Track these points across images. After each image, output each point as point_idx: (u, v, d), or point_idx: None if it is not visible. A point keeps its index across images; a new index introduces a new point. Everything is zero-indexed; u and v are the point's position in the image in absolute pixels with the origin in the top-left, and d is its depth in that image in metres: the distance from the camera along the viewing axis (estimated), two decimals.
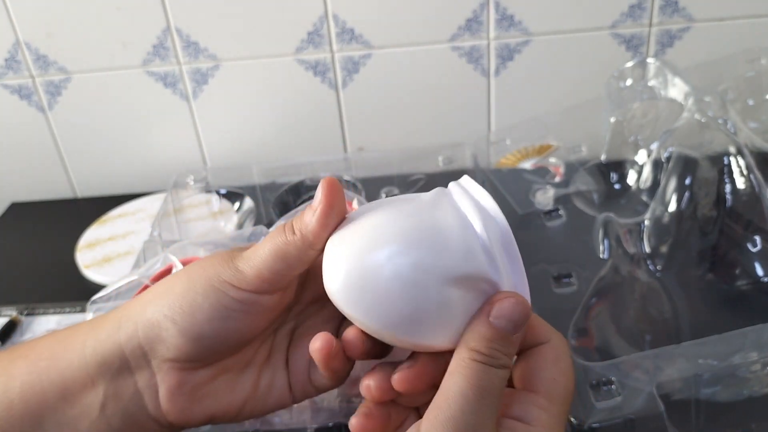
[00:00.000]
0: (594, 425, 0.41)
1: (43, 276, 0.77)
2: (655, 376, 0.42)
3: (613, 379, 0.42)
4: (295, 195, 0.72)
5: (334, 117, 0.86)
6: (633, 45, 0.78)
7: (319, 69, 0.82)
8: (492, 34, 0.79)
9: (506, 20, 0.78)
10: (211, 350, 0.34)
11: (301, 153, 0.86)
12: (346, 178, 0.72)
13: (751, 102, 0.63)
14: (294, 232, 0.33)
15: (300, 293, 0.38)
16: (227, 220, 0.71)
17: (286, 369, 0.37)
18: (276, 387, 0.37)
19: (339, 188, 0.32)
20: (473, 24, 0.79)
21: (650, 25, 0.77)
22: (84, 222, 0.82)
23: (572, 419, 0.41)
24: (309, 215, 0.32)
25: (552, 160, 0.68)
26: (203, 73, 0.83)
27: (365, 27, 0.79)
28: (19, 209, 0.92)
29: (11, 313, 0.68)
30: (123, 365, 0.34)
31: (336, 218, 0.33)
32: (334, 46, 0.81)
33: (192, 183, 0.72)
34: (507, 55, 0.80)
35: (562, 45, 0.79)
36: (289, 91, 0.84)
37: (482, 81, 0.82)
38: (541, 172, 0.67)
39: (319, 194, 0.32)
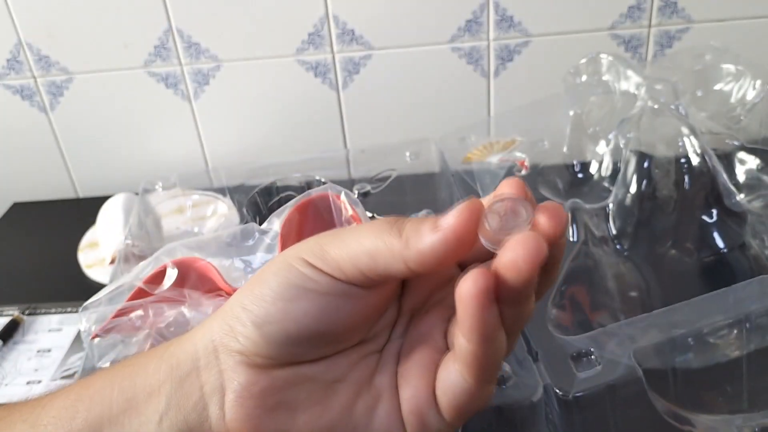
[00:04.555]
0: (578, 394, 0.42)
1: (44, 276, 0.77)
2: (630, 346, 0.44)
3: (591, 350, 0.44)
4: (266, 196, 0.72)
5: (335, 117, 0.86)
6: (632, 46, 0.79)
7: (319, 70, 0.83)
8: (492, 35, 0.80)
9: (506, 21, 0.78)
10: (284, 342, 0.28)
11: (302, 153, 0.86)
12: (317, 177, 0.72)
13: (699, 93, 0.66)
14: (400, 236, 0.27)
15: (404, 299, 0.32)
16: (200, 225, 0.71)
17: (396, 396, 0.30)
18: (379, 416, 0.30)
19: (478, 216, 0.26)
20: (473, 25, 0.79)
21: (649, 26, 0.78)
22: (86, 222, 0.82)
23: (557, 390, 0.42)
24: (427, 231, 0.26)
25: (518, 154, 0.70)
26: (204, 74, 0.84)
27: (366, 28, 0.80)
28: (20, 209, 0.93)
29: (13, 312, 0.69)
30: (193, 366, 0.29)
31: (455, 253, 0.26)
32: (335, 47, 0.81)
33: (160, 189, 0.71)
34: (507, 56, 0.81)
35: (561, 46, 0.79)
36: (290, 92, 0.84)
37: (482, 82, 0.83)
38: (508, 165, 0.69)
39: (452, 218, 0.26)
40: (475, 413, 0.29)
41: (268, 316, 0.28)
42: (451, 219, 0.26)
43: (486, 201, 0.28)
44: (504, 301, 0.26)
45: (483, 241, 0.26)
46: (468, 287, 0.25)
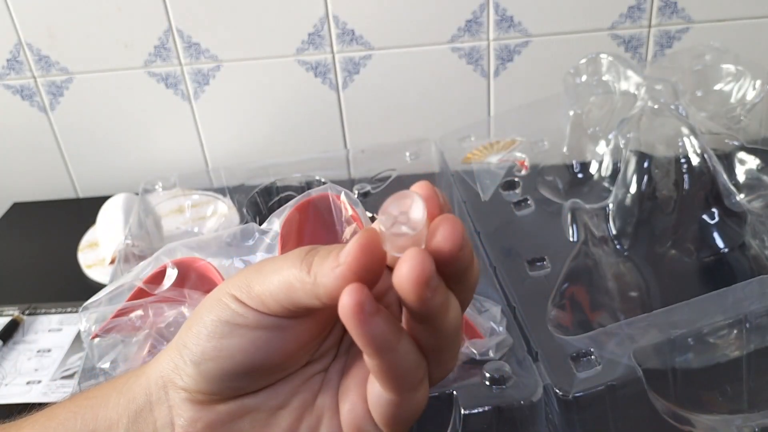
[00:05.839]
0: (578, 394, 0.42)
1: (44, 276, 0.77)
2: (630, 346, 0.44)
3: (591, 350, 0.44)
4: (266, 196, 0.73)
5: (335, 117, 0.86)
6: (632, 46, 0.79)
7: (319, 70, 0.83)
8: (492, 35, 0.80)
9: (506, 21, 0.78)
10: (221, 378, 0.29)
11: (302, 153, 0.86)
12: (317, 177, 0.72)
13: (699, 93, 0.66)
14: (309, 273, 0.27)
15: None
16: (200, 225, 0.71)
17: (337, 414, 0.31)
18: None
19: (375, 249, 0.25)
20: (473, 25, 0.79)
21: (649, 26, 0.78)
22: (86, 222, 0.82)
23: (557, 390, 0.42)
24: (330, 267, 0.26)
25: (517, 154, 0.70)
26: (204, 74, 0.84)
27: (366, 28, 0.80)
28: (21, 209, 0.93)
29: (13, 312, 0.69)
30: (146, 401, 0.30)
31: (363, 282, 0.25)
32: (335, 47, 0.81)
33: (160, 189, 0.71)
34: (506, 56, 0.81)
35: (561, 46, 0.79)
36: (290, 92, 0.84)
37: (482, 82, 0.83)
38: (508, 165, 0.69)
39: (351, 249, 0.25)
40: (412, 422, 0.29)
41: (204, 354, 0.29)
42: (348, 254, 0.25)
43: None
44: (412, 316, 0.26)
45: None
46: (344, 302, 0.24)
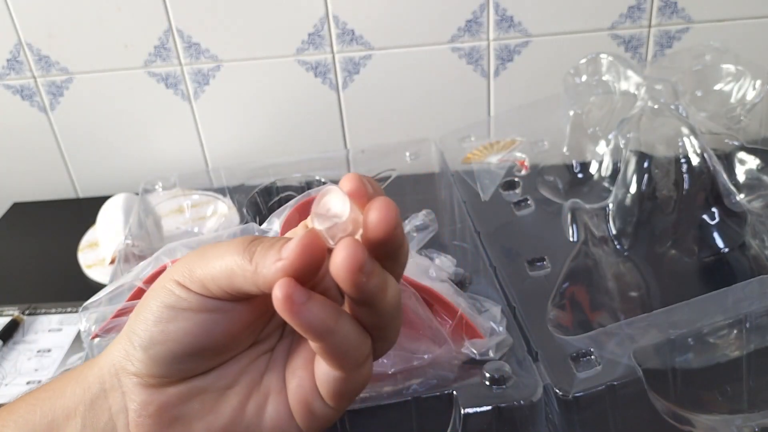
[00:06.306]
0: (578, 394, 0.42)
1: (45, 276, 0.77)
2: (630, 346, 0.44)
3: (591, 350, 0.44)
4: (266, 196, 0.73)
5: (335, 118, 0.86)
6: (632, 46, 0.79)
7: (319, 70, 0.83)
8: (492, 35, 0.80)
9: (506, 21, 0.78)
10: (169, 361, 0.30)
11: (302, 153, 0.86)
12: (317, 177, 0.72)
13: (699, 93, 0.66)
14: (250, 262, 0.28)
15: None
16: (200, 225, 0.71)
17: (284, 390, 0.32)
18: (269, 412, 0.32)
19: (317, 249, 0.27)
20: (473, 25, 0.79)
21: (649, 26, 0.78)
22: (86, 222, 0.82)
23: (557, 390, 0.42)
24: (271, 260, 0.27)
25: (517, 154, 0.70)
26: (204, 74, 0.84)
27: (366, 28, 0.80)
28: (21, 209, 0.93)
29: (13, 312, 0.69)
30: (101, 389, 0.32)
31: (302, 277, 0.27)
32: (335, 47, 0.81)
33: (160, 189, 0.72)
34: (507, 56, 0.81)
35: (561, 46, 0.79)
36: (290, 92, 0.84)
37: (482, 82, 0.83)
38: (508, 165, 0.69)
39: (293, 247, 0.27)
40: (358, 394, 0.31)
41: (152, 338, 0.30)
42: (291, 251, 0.27)
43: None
44: (352, 300, 0.28)
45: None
46: (275, 294, 0.26)
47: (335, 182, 0.30)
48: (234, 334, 0.31)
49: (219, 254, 0.29)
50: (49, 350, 0.65)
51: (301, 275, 0.27)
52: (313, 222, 0.27)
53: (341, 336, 0.28)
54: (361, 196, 0.28)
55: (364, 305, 0.28)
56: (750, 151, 0.62)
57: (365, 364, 0.30)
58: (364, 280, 0.26)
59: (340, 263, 0.26)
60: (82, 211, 0.88)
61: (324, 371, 0.30)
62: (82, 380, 0.32)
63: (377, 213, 0.26)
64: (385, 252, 0.27)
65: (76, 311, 0.68)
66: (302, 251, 0.27)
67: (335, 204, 0.27)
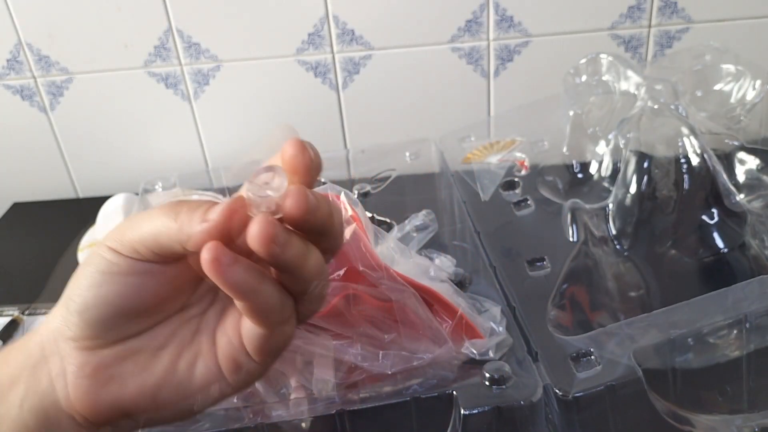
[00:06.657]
0: (578, 394, 0.42)
1: (44, 276, 0.77)
2: (630, 346, 0.44)
3: (591, 350, 0.45)
4: None
5: (335, 118, 0.86)
6: (632, 46, 0.79)
7: (319, 70, 0.83)
8: (492, 35, 0.80)
9: (506, 21, 0.78)
10: (103, 324, 0.32)
11: None
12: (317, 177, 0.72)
13: (699, 93, 0.66)
14: (175, 221, 0.31)
15: None
16: None
17: (214, 347, 0.34)
18: (199, 368, 0.34)
19: (240, 216, 0.29)
20: (473, 25, 0.79)
21: (649, 26, 0.78)
22: (86, 222, 0.82)
23: (557, 390, 0.42)
24: (197, 221, 0.30)
25: (517, 154, 0.70)
26: (204, 74, 0.84)
27: (365, 28, 0.80)
28: (21, 209, 0.93)
29: (13, 312, 0.69)
30: (41, 355, 0.34)
31: (224, 239, 0.29)
32: (335, 47, 0.81)
33: (160, 189, 0.72)
34: (506, 56, 0.81)
35: (561, 46, 0.79)
36: (290, 92, 0.84)
37: (482, 82, 0.83)
38: (508, 165, 0.69)
39: (219, 210, 0.29)
40: (282, 351, 0.34)
41: (86, 303, 0.32)
42: (216, 215, 0.29)
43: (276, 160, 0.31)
44: (274, 266, 0.30)
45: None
46: (203, 257, 0.29)
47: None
48: (164, 296, 0.33)
49: (148, 217, 0.32)
50: None
51: (223, 237, 0.29)
52: (249, 191, 0.29)
53: (264, 296, 0.30)
54: (296, 167, 0.31)
55: (284, 272, 0.30)
56: (750, 151, 0.63)
57: (287, 322, 0.32)
58: (279, 250, 0.28)
59: (252, 235, 0.28)
60: (82, 211, 0.88)
61: (249, 328, 0.32)
62: (24, 349, 0.34)
63: (290, 200, 0.29)
64: (308, 229, 0.30)
65: None
66: (226, 216, 0.29)
67: (274, 181, 0.29)
